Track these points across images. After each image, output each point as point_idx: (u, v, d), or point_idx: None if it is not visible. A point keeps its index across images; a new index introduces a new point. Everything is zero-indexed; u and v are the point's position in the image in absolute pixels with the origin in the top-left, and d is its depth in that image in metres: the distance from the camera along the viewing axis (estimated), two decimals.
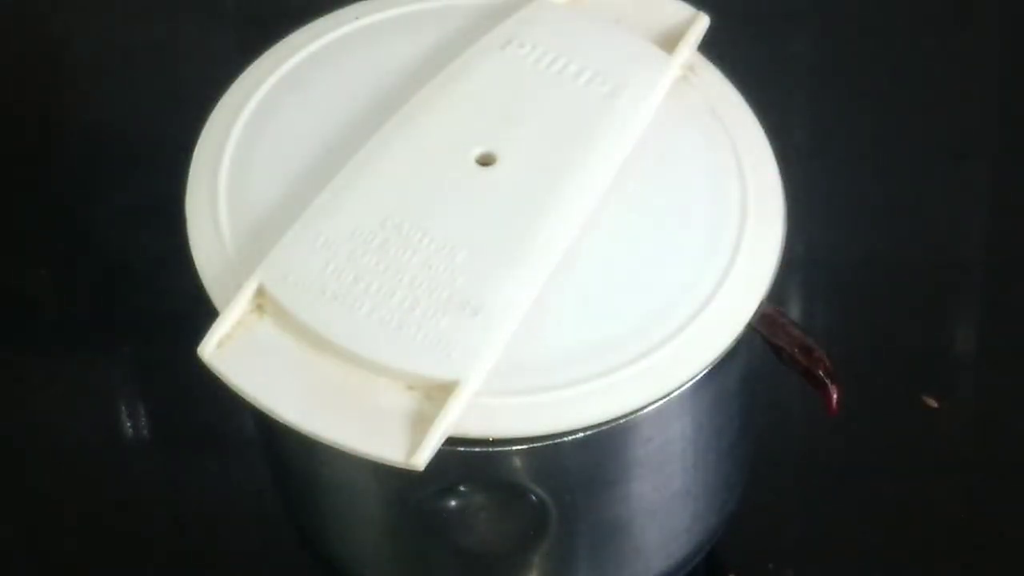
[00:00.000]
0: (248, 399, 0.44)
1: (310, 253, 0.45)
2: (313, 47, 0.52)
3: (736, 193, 0.48)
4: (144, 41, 0.76)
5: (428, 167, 0.47)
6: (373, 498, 0.51)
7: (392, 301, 0.45)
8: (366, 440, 0.43)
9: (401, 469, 0.43)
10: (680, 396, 0.45)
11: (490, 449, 0.45)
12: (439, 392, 0.43)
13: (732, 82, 0.52)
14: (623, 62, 0.50)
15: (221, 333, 0.44)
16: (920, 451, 0.61)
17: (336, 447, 0.43)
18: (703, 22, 0.52)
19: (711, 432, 0.50)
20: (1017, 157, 0.71)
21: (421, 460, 0.42)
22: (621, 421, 0.45)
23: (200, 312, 0.45)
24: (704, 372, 0.45)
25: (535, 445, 0.45)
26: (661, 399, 0.45)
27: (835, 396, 0.48)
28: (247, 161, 0.49)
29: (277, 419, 0.43)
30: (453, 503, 0.50)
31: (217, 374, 0.44)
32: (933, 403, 0.62)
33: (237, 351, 0.44)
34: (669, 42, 0.52)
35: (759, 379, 0.52)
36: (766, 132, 0.51)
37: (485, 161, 0.48)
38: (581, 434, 0.44)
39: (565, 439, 0.44)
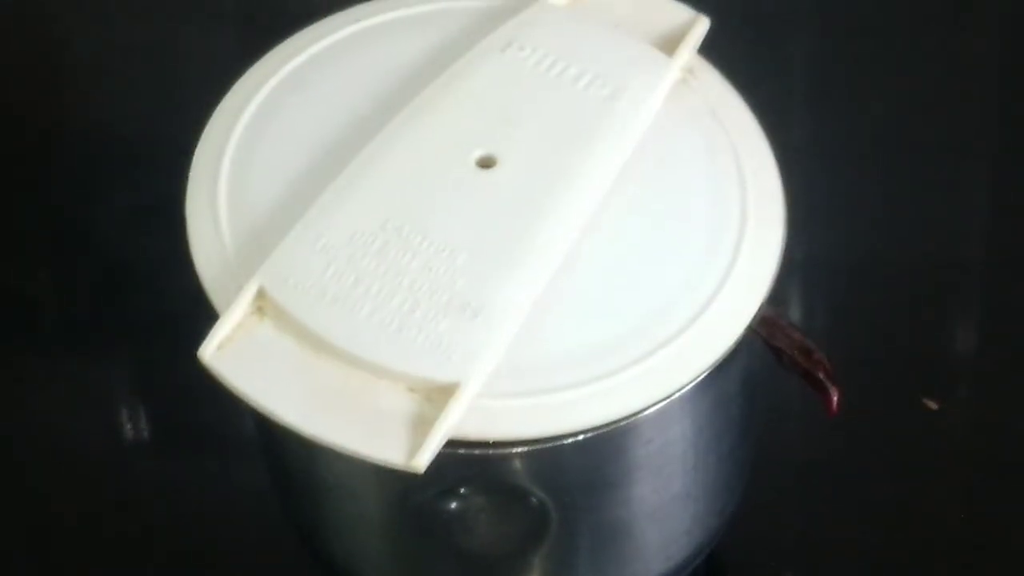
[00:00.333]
0: (248, 401, 0.44)
1: (310, 255, 0.45)
2: (314, 49, 0.52)
3: (736, 196, 0.48)
4: (145, 42, 0.76)
5: (429, 169, 0.47)
6: (373, 500, 0.51)
7: (392, 303, 0.45)
8: (366, 442, 0.43)
9: (401, 471, 0.43)
10: (680, 398, 0.45)
11: (490, 451, 0.45)
12: (439, 394, 0.43)
13: (732, 84, 0.52)
14: (623, 65, 0.50)
15: (221, 335, 0.44)
16: (920, 452, 0.61)
17: (336, 449, 0.43)
18: (703, 24, 0.52)
19: (711, 434, 0.50)
20: (1017, 157, 0.71)
21: (422, 462, 0.42)
22: (621, 423, 0.45)
23: (200, 314, 0.45)
24: (704, 375, 0.45)
25: (535, 447, 0.45)
26: (661, 401, 0.45)
27: (835, 398, 0.48)
28: (248, 163, 0.49)
29: (277, 421, 0.43)
30: (453, 505, 0.50)
31: (217, 376, 0.44)
32: (933, 405, 0.62)
33: (237, 353, 0.44)
34: (669, 45, 0.52)
35: (759, 381, 0.52)
36: (766, 134, 0.51)
37: (485, 163, 0.48)
38: (581, 436, 0.44)
39: (565, 441, 0.44)
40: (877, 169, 0.70)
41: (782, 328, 0.48)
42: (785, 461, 0.60)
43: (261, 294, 0.45)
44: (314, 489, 0.52)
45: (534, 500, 0.49)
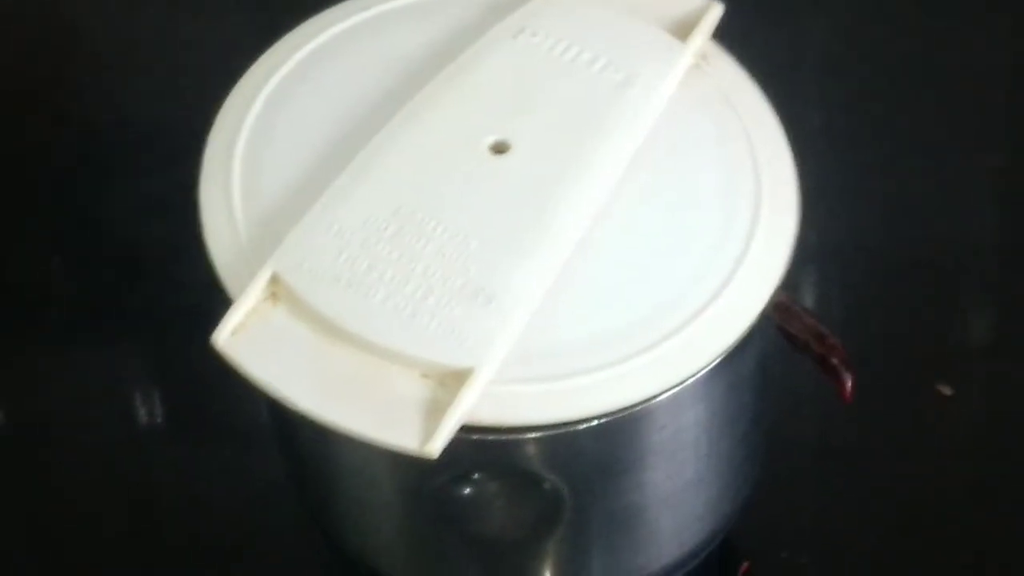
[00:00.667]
0: (262, 387, 0.44)
1: (324, 241, 0.45)
2: (325, 36, 0.51)
3: (750, 182, 0.48)
4: (156, 31, 0.76)
5: (441, 155, 0.47)
6: (387, 486, 0.51)
7: (406, 289, 0.45)
8: (380, 428, 0.43)
9: (415, 457, 0.43)
10: (694, 384, 0.45)
11: (504, 437, 0.45)
12: (453, 380, 0.43)
13: (746, 70, 0.52)
14: (636, 50, 0.50)
15: (235, 321, 0.44)
16: (934, 438, 0.61)
17: (350, 435, 0.43)
18: (717, 10, 0.52)
19: (725, 420, 0.50)
20: None
21: (435, 448, 0.42)
22: (635, 409, 0.45)
23: (214, 300, 0.45)
24: (718, 360, 0.45)
25: (549, 433, 0.45)
26: (675, 387, 0.45)
27: (849, 384, 0.48)
28: (260, 150, 0.49)
29: (291, 407, 0.44)
30: (467, 491, 0.50)
31: (231, 362, 0.44)
32: (947, 390, 0.62)
33: (251, 339, 0.44)
34: (683, 30, 0.51)
35: (773, 367, 0.52)
36: (780, 120, 0.51)
37: (498, 149, 0.48)
38: (595, 422, 0.44)
39: (579, 427, 0.44)
40: (892, 155, 0.70)
41: (796, 313, 0.48)
42: (799, 447, 0.61)
43: (275, 280, 0.45)
44: (327, 475, 0.52)
45: (547, 486, 0.49)
